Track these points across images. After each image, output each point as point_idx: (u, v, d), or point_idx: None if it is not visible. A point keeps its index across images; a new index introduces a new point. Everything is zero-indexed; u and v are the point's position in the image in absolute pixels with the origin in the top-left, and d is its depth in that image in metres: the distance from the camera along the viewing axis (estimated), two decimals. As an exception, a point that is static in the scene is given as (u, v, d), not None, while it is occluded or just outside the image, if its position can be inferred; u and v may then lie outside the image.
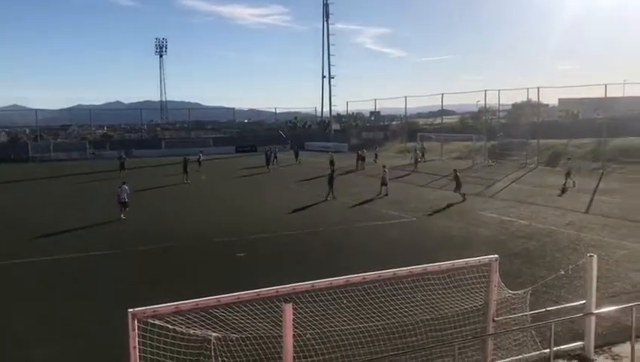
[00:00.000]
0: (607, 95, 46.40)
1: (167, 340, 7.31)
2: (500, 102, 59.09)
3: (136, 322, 6.83)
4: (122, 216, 25.05)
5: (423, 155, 51.29)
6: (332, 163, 43.28)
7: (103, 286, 15.12)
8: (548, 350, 9.45)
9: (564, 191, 31.44)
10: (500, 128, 56.73)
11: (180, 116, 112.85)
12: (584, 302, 10.08)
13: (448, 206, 27.21)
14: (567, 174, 33.49)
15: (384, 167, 32.77)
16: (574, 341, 10.36)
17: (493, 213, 25.15)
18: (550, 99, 78.27)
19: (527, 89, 51.69)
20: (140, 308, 6.89)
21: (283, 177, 41.74)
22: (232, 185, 37.93)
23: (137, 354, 6.90)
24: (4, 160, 58.18)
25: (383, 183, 31.40)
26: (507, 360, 9.71)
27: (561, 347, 10.01)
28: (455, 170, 31.58)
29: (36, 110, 74.49)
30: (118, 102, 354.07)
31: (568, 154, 43.85)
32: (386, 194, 30.65)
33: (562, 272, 11.31)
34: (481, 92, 59.13)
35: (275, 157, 51.34)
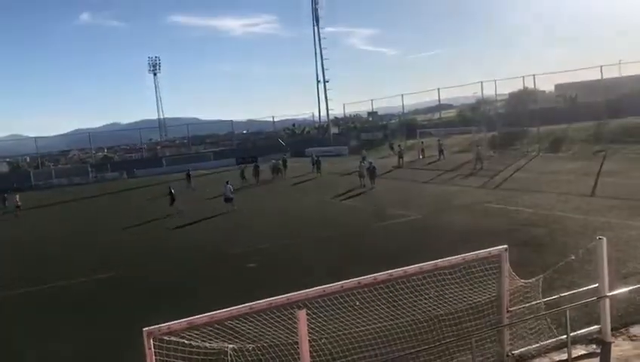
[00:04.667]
0: (604, 77, 46.64)
1: (185, 355, 7.30)
2: (497, 92, 59.33)
3: (152, 341, 6.84)
4: (234, 207, 29.70)
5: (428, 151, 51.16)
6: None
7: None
8: (565, 336, 9.42)
9: (472, 173, 37.10)
10: (499, 118, 56.66)
11: (178, 132, 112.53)
12: (597, 285, 10.04)
13: (452, 201, 27.19)
14: (477, 158, 39.66)
15: (371, 162, 38.04)
16: (590, 325, 10.30)
17: (499, 203, 25.11)
18: (547, 85, 78.42)
19: (523, 77, 52.05)
20: (155, 326, 6.90)
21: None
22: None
23: (156, 372, 6.90)
24: (7, 189, 58.13)
25: (371, 177, 35.02)
26: (525, 349, 9.69)
27: (578, 332, 9.97)
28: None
29: (35, 138, 74.85)
30: (115, 124, 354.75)
31: (569, 139, 44.07)
32: (372, 188, 34.27)
33: (573, 257, 11.23)
34: (477, 84, 59.28)
35: (318, 163, 47.20)
